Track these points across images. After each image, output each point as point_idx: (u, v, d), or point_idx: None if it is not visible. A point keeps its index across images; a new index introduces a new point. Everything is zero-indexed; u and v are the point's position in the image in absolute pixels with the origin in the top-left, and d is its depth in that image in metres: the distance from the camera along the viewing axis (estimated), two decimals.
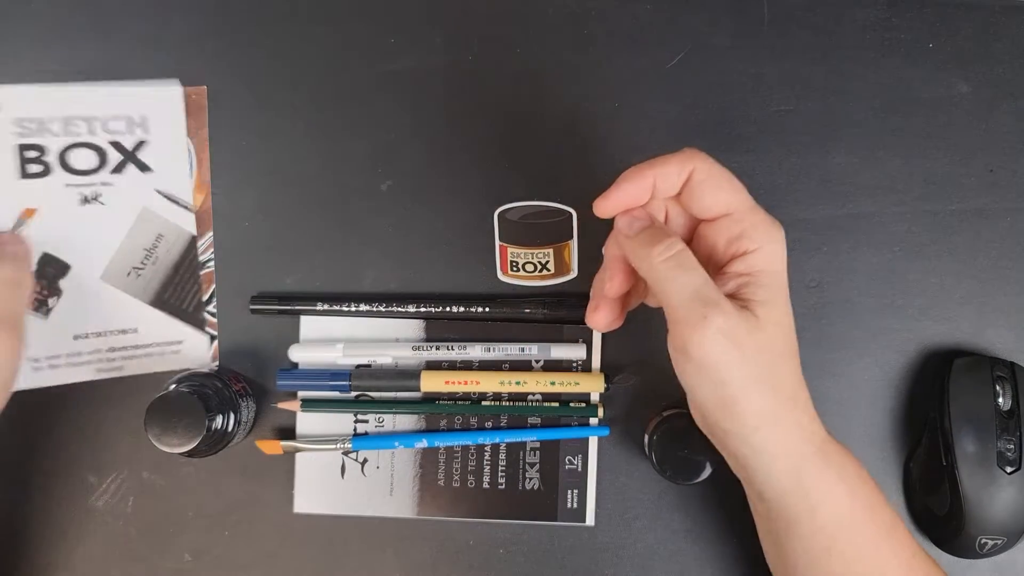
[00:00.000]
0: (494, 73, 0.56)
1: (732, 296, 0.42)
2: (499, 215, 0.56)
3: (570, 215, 0.55)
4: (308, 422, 0.56)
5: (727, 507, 0.55)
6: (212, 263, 0.56)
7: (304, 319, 0.56)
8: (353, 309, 0.55)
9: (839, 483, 0.43)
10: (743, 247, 0.42)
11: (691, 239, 0.45)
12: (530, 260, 0.55)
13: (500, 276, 0.56)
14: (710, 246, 0.43)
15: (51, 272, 0.54)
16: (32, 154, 0.54)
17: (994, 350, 0.55)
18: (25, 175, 0.54)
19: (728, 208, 0.42)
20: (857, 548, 0.44)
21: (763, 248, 0.42)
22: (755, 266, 0.42)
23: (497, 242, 0.56)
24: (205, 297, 0.56)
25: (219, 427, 0.51)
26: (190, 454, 0.50)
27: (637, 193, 0.43)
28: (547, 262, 0.55)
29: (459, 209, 0.56)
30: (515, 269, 0.56)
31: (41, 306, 0.54)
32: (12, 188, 0.54)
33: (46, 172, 0.54)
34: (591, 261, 0.55)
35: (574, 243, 0.56)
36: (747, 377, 0.41)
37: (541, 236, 0.56)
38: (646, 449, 0.53)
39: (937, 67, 0.56)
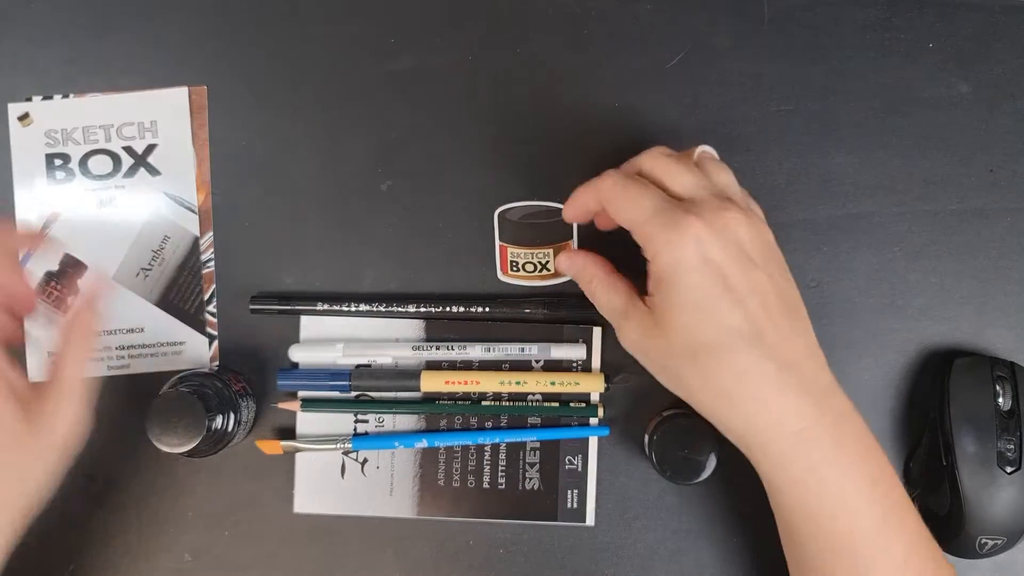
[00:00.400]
0: (494, 73, 0.56)
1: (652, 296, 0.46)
2: (499, 215, 0.56)
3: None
4: (308, 422, 0.56)
5: (727, 507, 0.55)
6: (212, 263, 0.56)
7: (304, 319, 0.56)
8: (353, 309, 0.55)
9: (806, 472, 0.44)
10: (646, 256, 0.45)
11: None
12: (530, 260, 0.55)
13: (500, 276, 0.56)
14: None
15: (70, 272, 0.56)
16: (58, 162, 0.56)
17: (994, 350, 0.55)
18: (53, 181, 0.56)
19: (628, 225, 0.46)
20: (847, 534, 0.44)
21: (656, 258, 0.44)
22: (654, 273, 0.45)
23: (497, 242, 0.56)
24: (206, 297, 0.56)
25: (219, 427, 0.51)
26: (190, 454, 0.50)
27: (579, 213, 0.50)
28: (547, 262, 0.55)
29: (459, 209, 0.56)
30: (515, 269, 0.56)
31: (61, 304, 0.56)
32: (42, 193, 0.56)
33: (70, 178, 0.56)
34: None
35: (574, 243, 0.56)
36: (672, 372, 0.46)
37: (541, 236, 0.56)
38: (646, 449, 0.53)
39: (937, 67, 0.56)
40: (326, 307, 0.55)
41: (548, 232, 0.56)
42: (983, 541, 0.51)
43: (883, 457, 0.45)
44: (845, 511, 0.44)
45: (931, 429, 0.53)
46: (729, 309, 0.43)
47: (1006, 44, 0.56)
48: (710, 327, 0.44)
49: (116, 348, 0.56)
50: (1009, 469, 0.51)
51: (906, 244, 0.55)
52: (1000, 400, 0.52)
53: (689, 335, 0.44)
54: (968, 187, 0.55)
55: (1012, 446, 0.51)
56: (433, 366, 0.56)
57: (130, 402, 0.55)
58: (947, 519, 0.52)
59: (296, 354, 0.55)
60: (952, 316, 0.55)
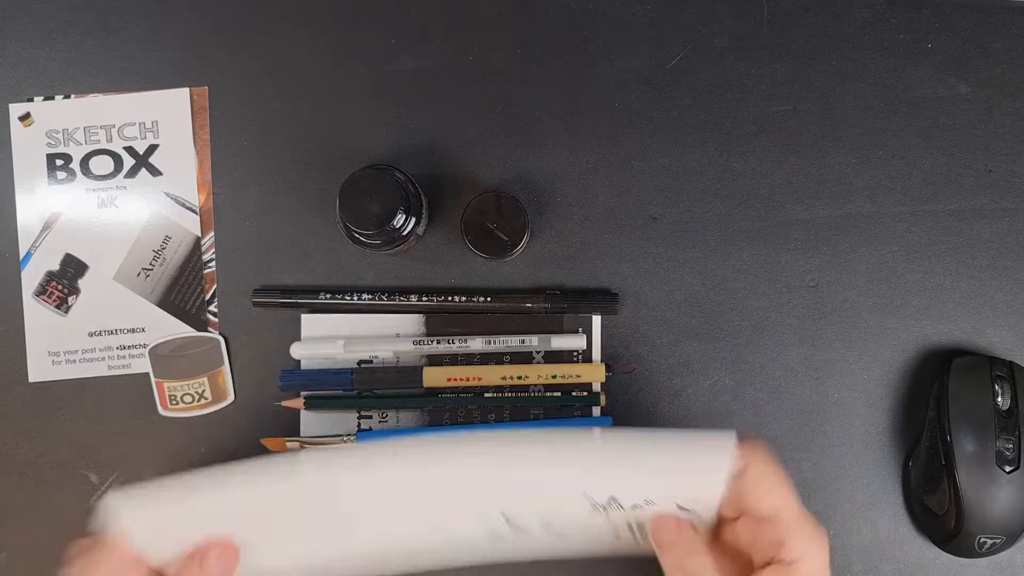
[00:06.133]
0: (494, 73, 0.56)
1: None
2: (150, 352, 0.56)
3: (217, 342, 0.56)
4: (312, 421, 0.56)
5: None
6: (213, 263, 0.56)
7: (305, 318, 0.56)
8: (355, 300, 0.55)
9: None
10: (782, 556, 0.40)
11: (718, 526, 0.44)
12: (188, 392, 0.55)
13: (161, 412, 0.56)
14: (744, 544, 0.42)
15: (71, 272, 0.56)
16: (59, 162, 0.56)
17: (993, 350, 0.55)
18: (54, 181, 0.56)
19: (773, 511, 0.41)
20: None
21: (803, 560, 0.40)
22: None
23: (153, 379, 0.56)
24: (207, 297, 0.56)
25: (400, 224, 0.51)
26: (375, 237, 0.51)
27: None
28: (203, 391, 0.56)
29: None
30: (174, 403, 0.56)
31: (62, 304, 0.56)
32: (43, 194, 0.57)
33: (71, 178, 0.56)
34: (246, 382, 0.56)
35: (226, 368, 0.56)
36: None
37: (193, 367, 0.56)
38: (461, 234, 0.53)
39: (937, 67, 0.56)
40: (328, 297, 0.55)
41: (200, 361, 0.56)
42: (982, 540, 0.51)
43: None
44: None
45: (930, 429, 0.54)
46: None
47: (1005, 44, 0.56)
48: None
49: (117, 348, 0.56)
50: (1008, 468, 0.51)
51: (905, 244, 0.56)
52: (999, 400, 0.52)
53: None
54: (967, 187, 0.56)
55: (1011, 445, 0.51)
56: (435, 360, 0.56)
57: (130, 402, 0.56)
58: (946, 518, 0.52)
59: (297, 351, 0.55)
60: (951, 316, 0.55)
